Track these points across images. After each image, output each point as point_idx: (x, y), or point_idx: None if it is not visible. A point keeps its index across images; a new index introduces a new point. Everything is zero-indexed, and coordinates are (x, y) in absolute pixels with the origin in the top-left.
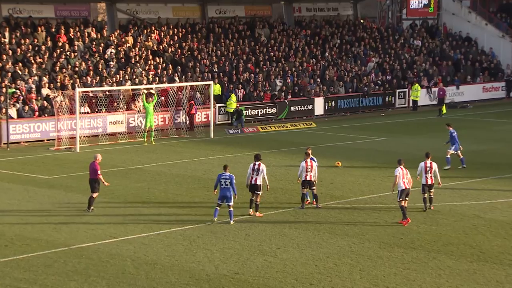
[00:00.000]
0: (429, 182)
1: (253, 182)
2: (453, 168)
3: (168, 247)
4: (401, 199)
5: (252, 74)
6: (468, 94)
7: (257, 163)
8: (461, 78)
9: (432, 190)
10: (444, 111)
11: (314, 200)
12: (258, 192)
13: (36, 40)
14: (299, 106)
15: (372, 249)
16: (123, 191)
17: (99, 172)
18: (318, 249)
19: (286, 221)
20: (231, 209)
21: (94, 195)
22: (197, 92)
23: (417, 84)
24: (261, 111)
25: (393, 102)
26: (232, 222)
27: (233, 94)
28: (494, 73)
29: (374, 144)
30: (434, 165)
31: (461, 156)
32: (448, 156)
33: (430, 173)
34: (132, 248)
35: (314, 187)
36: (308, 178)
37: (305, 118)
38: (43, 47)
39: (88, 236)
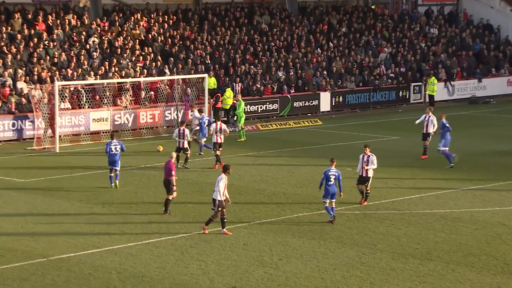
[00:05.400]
0: (364, 175)
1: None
2: (473, 170)
3: (158, 258)
4: None
5: (251, 66)
6: (491, 88)
7: (181, 128)
8: (483, 70)
9: (367, 184)
10: None
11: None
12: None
13: (11, 28)
14: (303, 102)
15: (384, 260)
16: (108, 196)
17: (173, 172)
18: (324, 260)
19: (289, 229)
20: (118, 173)
21: (170, 197)
22: (188, 89)
23: (433, 77)
24: (261, 107)
25: (407, 97)
26: (117, 185)
27: (228, 89)
28: None
29: (386, 144)
30: (371, 157)
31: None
32: None
33: (367, 165)
34: (118, 259)
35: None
36: (219, 141)
37: (309, 114)
38: (19, 36)
39: (69, 246)
